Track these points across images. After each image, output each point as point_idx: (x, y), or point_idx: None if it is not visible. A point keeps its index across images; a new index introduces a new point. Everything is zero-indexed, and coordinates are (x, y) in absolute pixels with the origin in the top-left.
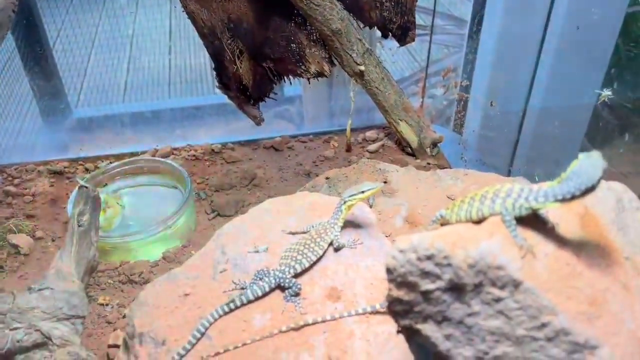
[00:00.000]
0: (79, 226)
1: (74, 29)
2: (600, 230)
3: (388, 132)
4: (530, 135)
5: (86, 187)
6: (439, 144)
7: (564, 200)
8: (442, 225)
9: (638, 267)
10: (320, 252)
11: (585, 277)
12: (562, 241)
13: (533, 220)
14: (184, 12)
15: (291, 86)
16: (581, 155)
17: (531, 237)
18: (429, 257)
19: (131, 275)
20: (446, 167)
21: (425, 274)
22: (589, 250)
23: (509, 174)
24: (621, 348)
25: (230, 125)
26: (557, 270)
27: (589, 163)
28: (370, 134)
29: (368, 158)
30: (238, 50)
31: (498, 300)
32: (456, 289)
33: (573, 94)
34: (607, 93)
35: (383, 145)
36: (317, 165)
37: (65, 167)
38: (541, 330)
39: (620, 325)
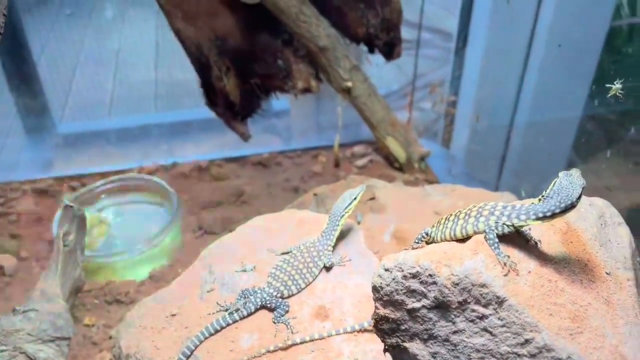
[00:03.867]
0: (65, 246)
1: (59, 44)
2: (583, 246)
3: (376, 147)
4: (518, 149)
5: (71, 207)
6: (426, 159)
7: (544, 218)
8: (427, 243)
9: (620, 282)
10: (311, 279)
11: (567, 293)
12: (544, 258)
13: (516, 238)
14: (171, 30)
15: (279, 101)
16: (561, 174)
17: (514, 254)
18: (415, 276)
19: (117, 294)
20: (434, 182)
21: (411, 292)
22: (571, 266)
23: (496, 188)
24: None
25: (217, 141)
26: (540, 286)
27: (568, 181)
28: (358, 149)
29: (356, 173)
30: (225, 67)
31: (482, 317)
32: (442, 307)
33: (559, 108)
34: (617, 86)
35: (371, 160)
36: (305, 181)
37: (50, 186)
38: (524, 347)
39: (602, 340)
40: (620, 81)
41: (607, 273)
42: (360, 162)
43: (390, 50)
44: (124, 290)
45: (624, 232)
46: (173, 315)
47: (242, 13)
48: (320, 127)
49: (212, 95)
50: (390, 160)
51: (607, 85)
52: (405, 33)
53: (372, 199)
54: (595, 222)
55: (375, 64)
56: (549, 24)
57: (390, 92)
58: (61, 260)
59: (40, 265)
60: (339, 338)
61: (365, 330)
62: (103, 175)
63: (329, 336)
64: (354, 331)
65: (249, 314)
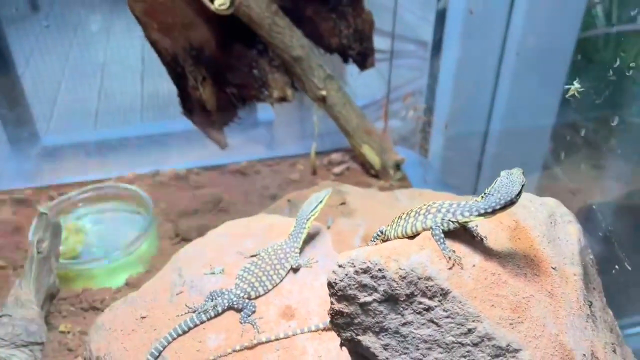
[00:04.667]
0: (39, 253)
1: (44, 57)
2: (530, 242)
3: (353, 155)
4: (493, 156)
5: (46, 214)
6: (402, 166)
7: (486, 214)
8: (383, 241)
9: (566, 276)
10: (278, 281)
11: (510, 285)
12: (489, 253)
13: (462, 234)
14: (147, 41)
15: (264, 112)
16: (503, 173)
17: (460, 249)
18: (366, 271)
19: (93, 302)
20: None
21: (363, 287)
22: (517, 261)
23: (474, 194)
24: (541, 350)
25: (197, 151)
26: (483, 279)
27: (509, 180)
28: (335, 156)
29: (333, 180)
30: (201, 76)
31: (428, 309)
32: (391, 300)
33: (532, 116)
34: (576, 86)
35: (348, 167)
36: (283, 189)
37: (28, 195)
38: (467, 337)
39: (542, 329)
40: (578, 81)
41: (553, 268)
42: (337, 169)
43: (363, 60)
44: (100, 297)
45: (573, 230)
46: (143, 317)
47: (217, 24)
48: (300, 136)
49: (189, 104)
50: (366, 167)
51: (566, 86)
52: (385, 45)
53: (343, 203)
54: (545, 221)
55: (350, 75)
56: (519, 33)
57: (374, 101)
58: (35, 267)
59: (17, 274)
60: (303, 337)
61: (329, 329)
62: (82, 185)
63: (293, 335)
64: (318, 330)
65: (217, 315)
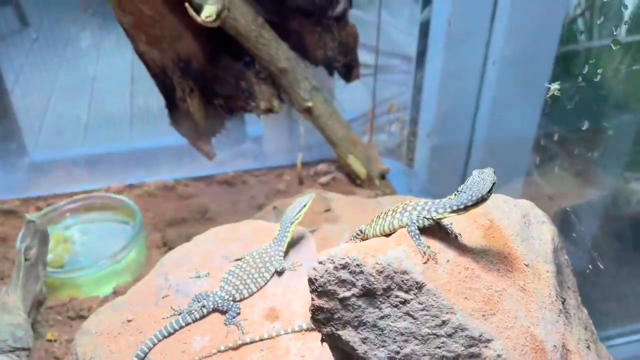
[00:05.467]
0: (26, 260)
1: (34, 73)
2: (504, 240)
3: (339, 165)
4: (477, 165)
5: (33, 222)
6: (387, 176)
7: (459, 210)
8: (362, 240)
9: (539, 273)
10: (263, 284)
11: (483, 279)
12: (463, 249)
13: (438, 231)
14: (135, 53)
15: (254, 127)
16: (475, 172)
17: (435, 245)
18: (344, 266)
19: (80, 310)
20: None
21: (342, 282)
22: (490, 257)
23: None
24: (513, 341)
25: (184, 163)
26: (457, 273)
27: (480, 178)
28: (321, 167)
29: (319, 189)
30: (189, 88)
31: (405, 302)
32: (369, 294)
33: (514, 126)
34: (556, 87)
35: (334, 177)
36: (269, 199)
37: (16, 206)
38: (442, 328)
39: (514, 321)
40: (557, 82)
41: (525, 265)
42: (323, 179)
43: (348, 72)
44: (87, 306)
45: (547, 230)
46: (129, 321)
47: (205, 37)
48: (291, 148)
49: (177, 115)
50: (352, 177)
51: (546, 85)
52: (373, 59)
53: (328, 210)
54: (519, 220)
55: (343, 89)
56: (500, 45)
57: (361, 115)
58: (22, 274)
59: (4, 283)
60: (287, 337)
61: (312, 329)
62: (71, 196)
63: (277, 335)
64: (301, 330)
65: (202, 317)
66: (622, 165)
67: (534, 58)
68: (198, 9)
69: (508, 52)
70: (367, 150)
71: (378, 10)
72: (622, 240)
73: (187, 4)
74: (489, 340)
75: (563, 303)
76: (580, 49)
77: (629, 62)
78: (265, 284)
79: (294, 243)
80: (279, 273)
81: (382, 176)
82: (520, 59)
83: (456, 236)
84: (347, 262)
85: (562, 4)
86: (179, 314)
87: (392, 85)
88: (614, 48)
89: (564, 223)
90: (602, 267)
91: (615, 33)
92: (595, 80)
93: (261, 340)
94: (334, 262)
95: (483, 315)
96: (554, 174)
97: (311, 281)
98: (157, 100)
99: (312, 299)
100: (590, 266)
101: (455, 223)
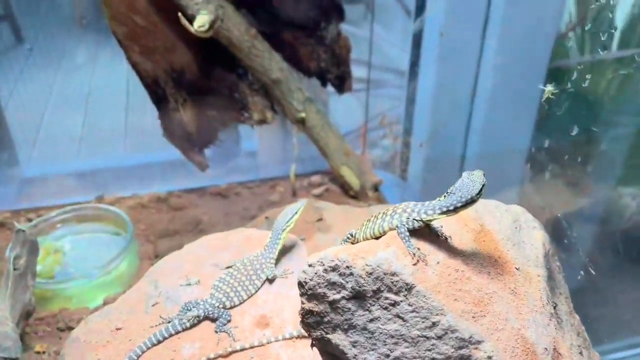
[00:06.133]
0: (15, 269)
1: (28, 89)
2: (495, 244)
3: (332, 177)
4: None
5: (23, 231)
6: (380, 187)
7: (448, 211)
8: (352, 244)
9: (530, 277)
10: (253, 291)
11: (473, 281)
12: (454, 251)
13: (428, 234)
14: (128, 63)
15: (247, 142)
16: (464, 174)
17: (425, 247)
18: (334, 268)
19: (70, 321)
20: None
21: (332, 285)
22: (480, 260)
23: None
24: (503, 343)
25: (177, 176)
26: (447, 275)
27: (470, 180)
28: (315, 178)
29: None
30: (182, 99)
31: (394, 304)
32: (359, 297)
33: (507, 138)
34: (550, 89)
35: (327, 189)
36: (262, 210)
37: (6, 218)
38: (432, 330)
39: (504, 323)
40: (552, 85)
41: (516, 268)
42: (316, 190)
43: (341, 84)
44: (77, 317)
45: (538, 236)
46: (118, 329)
47: (198, 47)
48: (285, 161)
49: (170, 126)
50: (345, 188)
51: (541, 87)
52: (370, 74)
53: (320, 219)
54: (510, 225)
55: (337, 102)
56: (492, 60)
57: (355, 129)
58: (11, 283)
59: None
60: (277, 344)
61: (303, 337)
62: (62, 207)
63: (268, 343)
64: (292, 337)
65: (192, 325)
66: (615, 179)
67: (526, 70)
68: (191, 20)
69: (499, 61)
70: (360, 161)
71: (370, 25)
72: (616, 254)
73: (180, 14)
74: (479, 342)
75: (555, 308)
76: (572, 63)
77: (620, 75)
78: (256, 291)
79: (285, 250)
80: (270, 280)
81: (375, 188)
82: (513, 71)
83: (446, 238)
84: (336, 264)
85: (554, 18)
86: (168, 322)
87: (385, 100)
88: (605, 62)
89: (556, 231)
90: (593, 272)
91: (601, 53)
92: (587, 94)
93: (252, 347)
94: (323, 265)
95: (473, 317)
96: (547, 185)
97: (301, 284)
98: (151, 115)
99: (302, 303)
100: (582, 272)
101: (446, 226)
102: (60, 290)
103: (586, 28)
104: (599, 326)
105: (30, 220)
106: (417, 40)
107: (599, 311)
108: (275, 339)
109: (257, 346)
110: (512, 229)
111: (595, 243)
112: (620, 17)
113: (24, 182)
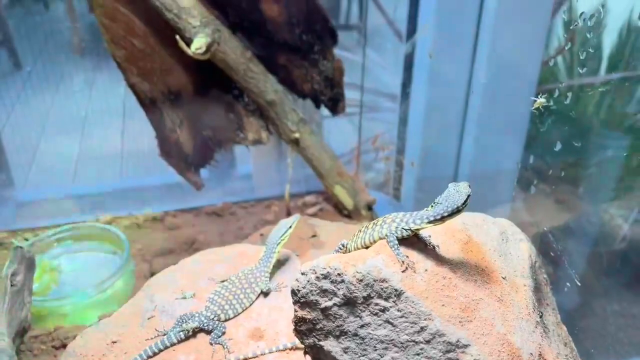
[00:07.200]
0: (12, 286)
1: (25, 111)
2: (482, 254)
3: (326, 197)
4: None
5: (21, 248)
6: (373, 207)
7: (435, 221)
8: (344, 253)
9: (516, 286)
10: (248, 304)
11: (460, 288)
12: (441, 260)
13: (416, 243)
14: (126, 85)
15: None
16: (450, 185)
17: (413, 255)
18: (326, 276)
19: (65, 339)
20: None
21: (324, 292)
22: (468, 268)
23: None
24: (489, 347)
25: (173, 197)
26: (435, 282)
27: (455, 190)
28: (309, 198)
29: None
30: (178, 119)
31: (384, 310)
32: (350, 303)
33: (497, 160)
34: (542, 100)
35: (321, 208)
36: (257, 229)
37: (3, 238)
38: (420, 334)
39: (490, 328)
40: (544, 96)
41: (503, 277)
42: (311, 210)
43: (334, 105)
44: (72, 335)
45: (524, 248)
46: (114, 342)
47: (195, 70)
48: (280, 182)
49: (166, 146)
50: (339, 208)
51: (532, 98)
52: (363, 97)
53: (314, 236)
54: (497, 237)
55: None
56: (482, 81)
57: (349, 150)
58: (8, 300)
59: None
60: (271, 356)
61: (297, 348)
62: (58, 227)
63: (262, 354)
64: (285, 349)
65: (187, 338)
66: (607, 200)
67: (515, 92)
68: (188, 43)
69: (484, 79)
70: (354, 181)
71: (363, 49)
72: (610, 276)
73: (178, 37)
74: (465, 346)
75: (541, 317)
76: (561, 86)
77: (608, 97)
78: (251, 304)
79: (279, 264)
80: (265, 294)
81: (369, 207)
82: (503, 92)
83: (434, 248)
84: (328, 272)
85: (542, 41)
86: (164, 335)
87: (378, 123)
88: (592, 85)
89: (544, 246)
90: (578, 283)
91: (584, 76)
92: (572, 115)
93: (245, 359)
94: (315, 272)
95: (460, 322)
96: (537, 204)
97: (294, 292)
98: (147, 138)
99: (295, 310)
100: (567, 284)
101: (434, 237)
102: (55, 308)
103: (574, 51)
104: (585, 337)
105: (27, 239)
106: (408, 63)
107: (587, 323)
108: (269, 350)
109: (251, 358)
110: (499, 240)
111: (585, 261)
112: (607, 42)
113: (20, 205)
